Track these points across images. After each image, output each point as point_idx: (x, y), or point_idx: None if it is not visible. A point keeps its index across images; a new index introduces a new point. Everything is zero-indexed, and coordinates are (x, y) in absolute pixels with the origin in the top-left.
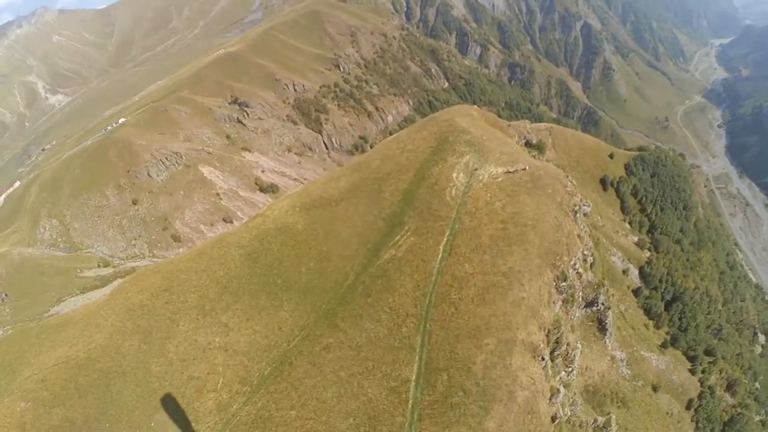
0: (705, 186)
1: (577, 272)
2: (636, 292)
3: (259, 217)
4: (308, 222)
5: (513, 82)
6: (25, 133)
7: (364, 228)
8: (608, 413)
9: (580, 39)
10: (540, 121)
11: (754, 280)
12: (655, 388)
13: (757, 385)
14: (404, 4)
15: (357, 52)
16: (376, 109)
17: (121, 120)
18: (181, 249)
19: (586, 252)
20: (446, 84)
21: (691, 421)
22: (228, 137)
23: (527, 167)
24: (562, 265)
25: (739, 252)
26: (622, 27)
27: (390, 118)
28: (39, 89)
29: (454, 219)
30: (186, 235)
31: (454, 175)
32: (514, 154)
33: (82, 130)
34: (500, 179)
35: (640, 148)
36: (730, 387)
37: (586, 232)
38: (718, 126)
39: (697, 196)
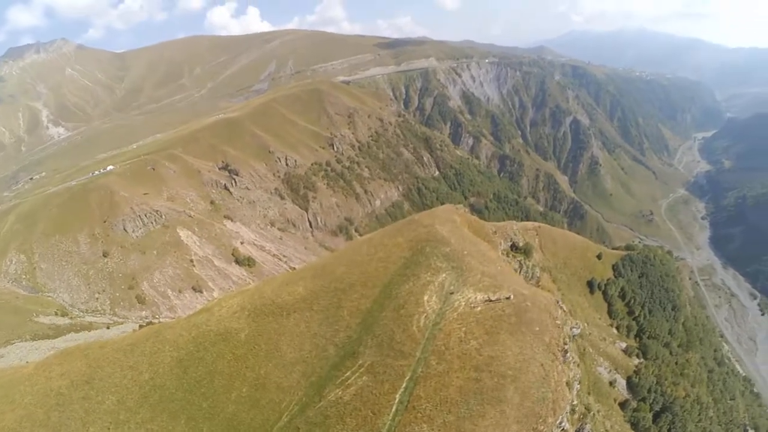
0: (690, 278)
1: (562, 430)
2: (623, 405)
3: (204, 313)
4: (253, 332)
5: (502, 174)
6: (19, 157)
7: (312, 353)
8: None
9: (569, 134)
10: (527, 214)
11: (741, 372)
12: None
13: None
14: (404, 91)
15: (353, 133)
16: (365, 191)
17: (110, 167)
18: (143, 312)
19: (575, 402)
20: (437, 172)
21: None
22: (212, 203)
23: (512, 296)
24: (546, 429)
25: (725, 344)
26: (610, 123)
27: (378, 202)
28: (42, 117)
29: (418, 359)
30: (151, 298)
31: (426, 297)
32: (497, 277)
33: (72, 168)
34: (479, 309)
35: (627, 247)
36: None
37: (575, 362)
38: (702, 218)
39: (685, 294)
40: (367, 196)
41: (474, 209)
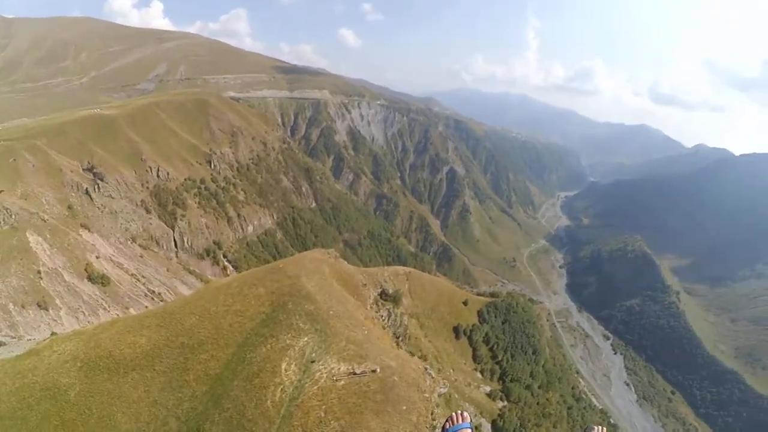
0: (548, 320)
1: None
2: None
3: (32, 357)
4: (85, 391)
5: (378, 212)
6: None
7: (150, 425)
8: None
9: (444, 181)
10: (398, 253)
11: (598, 405)
12: None
13: None
14: (293, 118)
15: (233, 153)
16: (238, 215)
17: None
18: None
19: None
20: (314, 204)
21: None
22: (70, 207)
23: (378, 369)
24: None
25: (581, 380)
26: (483, 175)
27: (250, 228)
28: None
29: None
30: None
31: (284, 365)
32: (363, 344)
33: None
34: (342, 383)
35: (492, 294)
36: None
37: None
38: (560, 267)
39: (545, 338)
40: (240, 221)
41: (347, 244)
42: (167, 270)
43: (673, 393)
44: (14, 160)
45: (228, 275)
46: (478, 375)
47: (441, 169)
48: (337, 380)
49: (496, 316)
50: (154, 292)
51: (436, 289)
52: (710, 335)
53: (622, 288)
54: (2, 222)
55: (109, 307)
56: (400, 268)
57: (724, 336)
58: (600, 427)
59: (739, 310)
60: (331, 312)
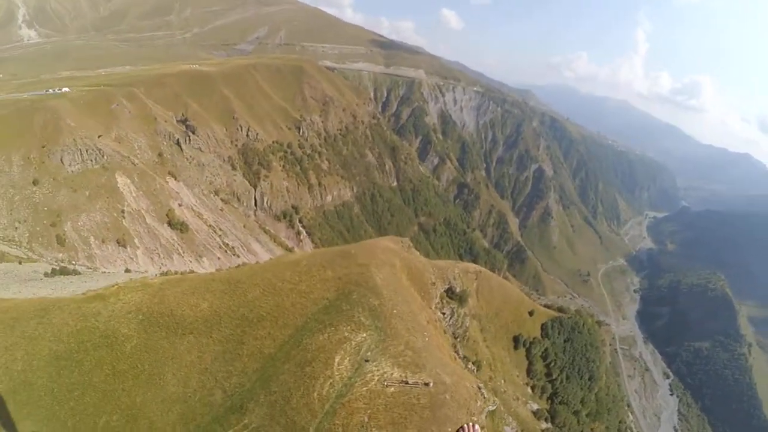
0: (610, 345)
1: None
2: None
3: (98, 301)
4: (140, 345)
5: (457, 200)
6: None
7: (196, 393)
8: None
9: (530, 180)
10: (471, 246)
11: None
12: None
13: None
14: (385, 94)
15: (323, 122)
16: (319, 184)
17: (65, 89)
18: (60, 254)
19: None
20: (395, 183)
21: None
22: (160, 155)
23: (431, 383)
24: None
25: (630, 414)
26: (571, 180)
27: (329, 198)
28: (18, 15)
29: None
30: (72, 242)
31: (338, 359)
32: (421, 353)
33: (31, 78)
34: (392, 390)
35: (560, 309)
36: None
37: None
38: (635, 291)
39: (604, 366)
40: (320, 189)
41: (422, 228)
42: (244, 226)
43: None
44: (117, 105)
45: (301, 240)
46: (529, 390)
47: (529, 167)
48: (387, 386)
49: (559, 333)
50: (228, 245)
51: (504, 294)
52: None
53: (694, 327)
54: (94, 161)
55: (183, 253)
56: (471, 266)
57: None
58: None
59: None
60: (395, 311)
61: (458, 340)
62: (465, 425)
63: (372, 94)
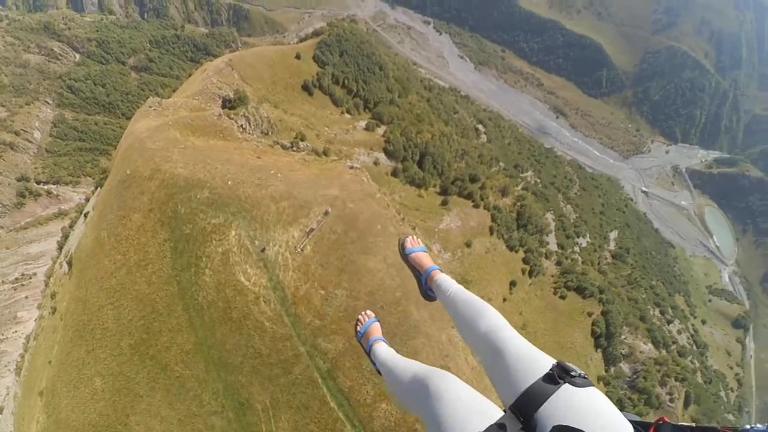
0: (366, 29)
1: None
2: (395, 173)
3: None
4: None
5: None
6: None
7: None
8: None
9: None
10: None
11: (444, 85)
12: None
13: None
14: None
15: None
16: None
17: None
18: None
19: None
20: None
21: None
22: None
23: (328, 209)
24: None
25: (421, 69)
26: None
27: None
28: None
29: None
30: None
31: (242, 278)
32: (292, 191)
33: None
34: (309, 248)
35: (315, 34)
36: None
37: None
38: None
39: (381, 51)
40: None
41: None
42: None
43: (504, 51)
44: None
45: None
46: (347, 116)
47: None
48: (302, 249)
49: (331, 53)
50: None
51: (265, 60)
52: None
53: None
54: None
55: None
56: (219, 61)
57: None
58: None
59: None
60: (229, 182)
61: (273, 133)
62: (409, 237)
63: None
